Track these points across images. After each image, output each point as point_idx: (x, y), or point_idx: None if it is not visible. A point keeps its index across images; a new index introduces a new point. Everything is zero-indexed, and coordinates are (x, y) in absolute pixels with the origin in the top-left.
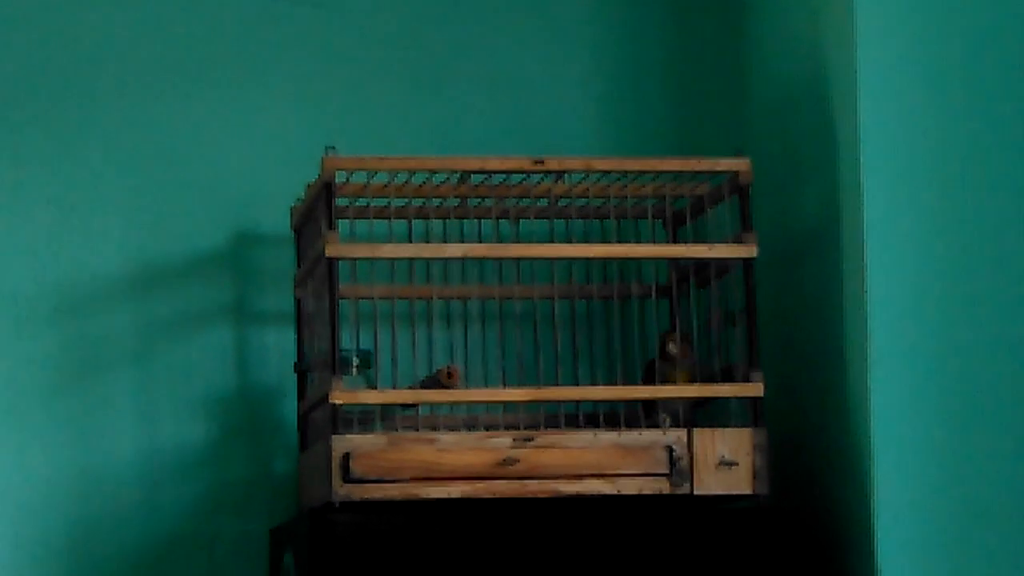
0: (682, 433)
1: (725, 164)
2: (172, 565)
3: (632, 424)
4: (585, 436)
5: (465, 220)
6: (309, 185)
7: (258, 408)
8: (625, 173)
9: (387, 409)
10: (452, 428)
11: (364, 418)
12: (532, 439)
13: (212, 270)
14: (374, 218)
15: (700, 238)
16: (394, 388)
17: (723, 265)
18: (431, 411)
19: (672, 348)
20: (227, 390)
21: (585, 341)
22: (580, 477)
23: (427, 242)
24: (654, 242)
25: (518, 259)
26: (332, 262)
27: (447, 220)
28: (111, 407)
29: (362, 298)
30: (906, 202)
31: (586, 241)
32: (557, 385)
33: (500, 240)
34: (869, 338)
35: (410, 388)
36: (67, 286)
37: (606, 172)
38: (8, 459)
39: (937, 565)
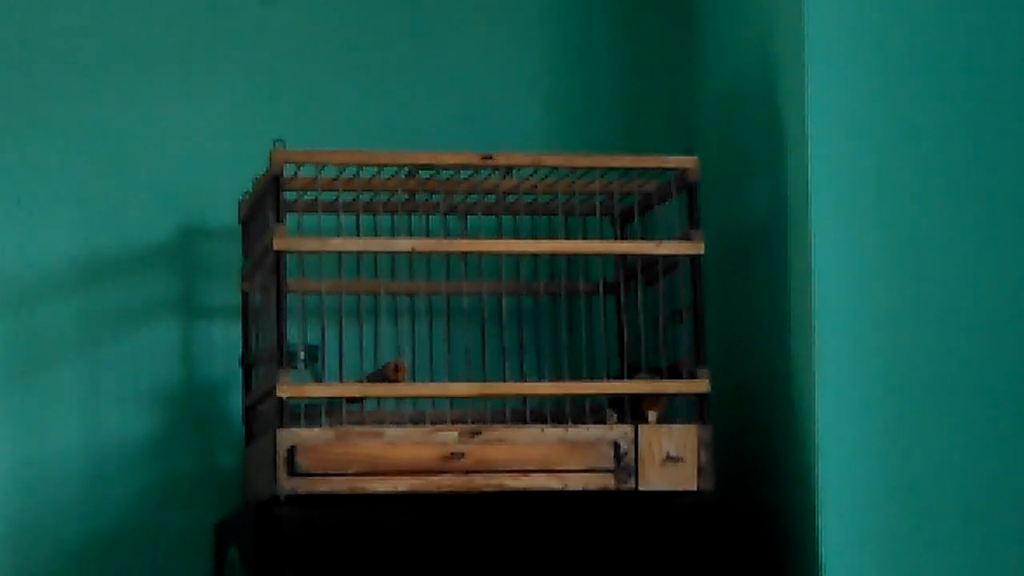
0: (628, 429)
1: (673, 161)
2: (116, 559)
3: (578, 420)
4: (531, 431)
5: (413, 215)
6: (257, 178)
7: (204, 402)
8: (574, 169)
9: (333, 403)
10: (399, 423)
11: (310, 412)
12: (479, 434)
13: (158, 263)
14: (322, 212)
15: (648, 235)
16: (341, 382)
17: (670, 262)
18: (378, 405)
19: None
20: (173, 384)
21: (532, 337)
22: (526, 472)
23: (375, 237)
24: (602, 239)
25: (466, 254)
26: (280, 255)
27: (395, 215)
28: (56, 400)
29: (309, 292)
30: (853, 201)
31: (534, 237)
32: (504, 381)
33: (448, 235)
34: (815, 336)
35: (357, 382)
36: (12, 279)
37: (555, 168)
38: None
39: (880, 561)
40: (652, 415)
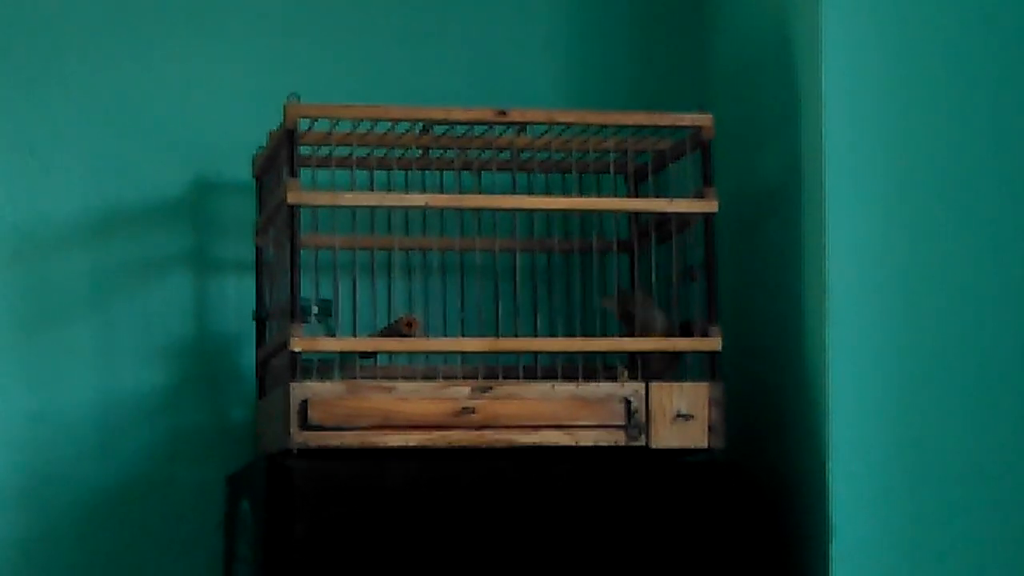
0: (639, 386)
1: (688, 119)
2: (128, 512)
3: (590, 376)
4: (543, 387)
5: (427, 171)
6: (271, 132)
7: (217, 356)
8: (588, 126)
9: (346, 358)
10: (411, 378)
11: (323, 367)
12: (490, 389)
13: (173, 217)
14: (336, 167)
15: (661, 193)
16: (354, 337)
17: (684, 220)
18: (390, 361)
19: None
20: (186, 338)
21: (545, 294)
22: (537, 428)
23: (389, 192)
24: (616, 196)
25: (479, 210)
26: (293, 209)
27: (409, 171)
28: (69, 353)
29: (323, 247)
30: (867, 162)
31: (548, 194)
32: (516, 337)
33: (462, 191)
34: (827, 295)
35: (369, 337)
36: (27, 231)
37: (569, 125)
38: None
39: (889, 522)
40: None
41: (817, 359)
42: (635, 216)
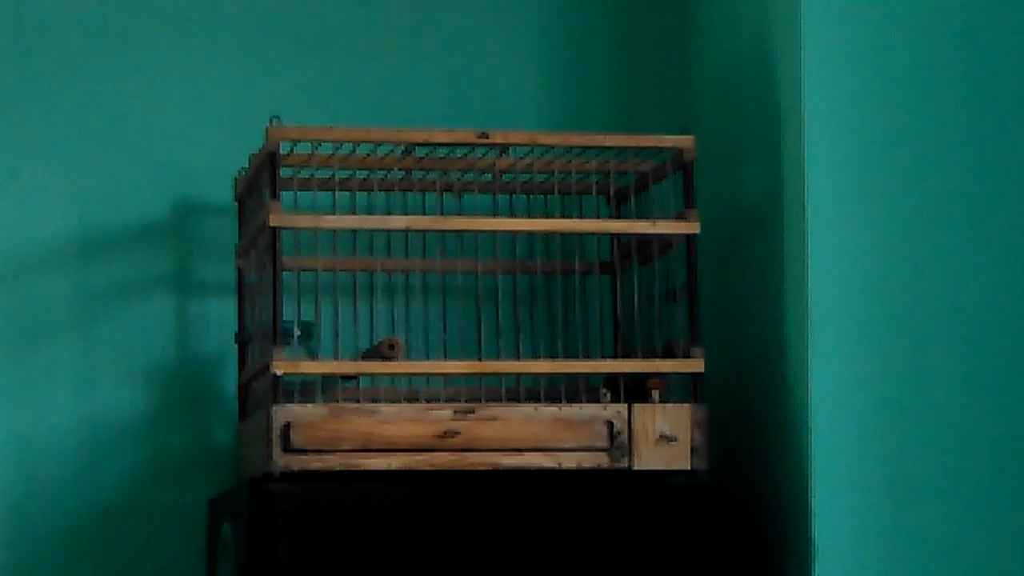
0: (622, 408)
1: (669, 141)
2: (110, 535)
3: (573, 399)
4: (526, 410)
5: (409, 193)
6: (253, 155)
7: (198, 379)
8: (570, 148)
9: (328, 381)
10: (393, 400)
11: (305, 390)
12: (473, 412)
13: (154, 239)
14: (318, 190)
15: (643, 215)
16: (335, 359)
17: (666, 241)
18: (372, 383)
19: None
20: (167, 360)
21: (527, 316)
22: (520, 450)
23: (371, 214)
24: (597, 218)
25: (461, 232)
26: (275, 232)
27: (391, 193)
28: (50, 376)
29: (305, 269)
30: (849, 182)
31: (529, 216)
32: (498, 359)
33: (444, 213)
34: (809, 316)
35: (351, 360)
36: (7, 254)
37: (551, 147)
38: None
39: (873, 542)
40: (655, 394)
41: (800, 379)
42: (617, 237)
